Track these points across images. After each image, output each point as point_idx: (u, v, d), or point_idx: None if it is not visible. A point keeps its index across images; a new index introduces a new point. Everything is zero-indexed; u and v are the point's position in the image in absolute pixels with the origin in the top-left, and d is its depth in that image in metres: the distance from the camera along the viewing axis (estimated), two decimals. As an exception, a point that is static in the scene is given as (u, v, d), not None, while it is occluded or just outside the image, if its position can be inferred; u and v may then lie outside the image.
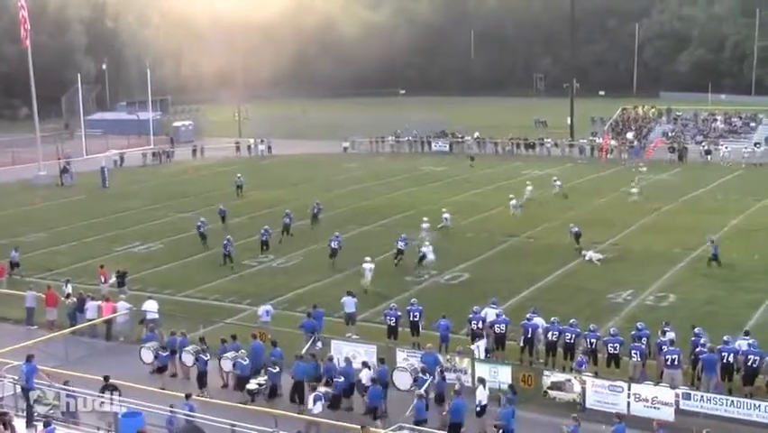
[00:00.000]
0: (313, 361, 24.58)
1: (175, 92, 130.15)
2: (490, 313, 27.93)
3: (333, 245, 39.16)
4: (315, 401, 21.86)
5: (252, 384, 24.24)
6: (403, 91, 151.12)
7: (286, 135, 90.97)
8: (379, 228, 47.09)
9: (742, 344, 24.59)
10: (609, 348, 25.11)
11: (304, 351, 25.36)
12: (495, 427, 20.69)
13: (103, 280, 34.42)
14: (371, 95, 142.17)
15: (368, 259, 35.03)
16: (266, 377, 24.46)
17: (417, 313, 28.32)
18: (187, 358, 25.70)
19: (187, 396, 21.29)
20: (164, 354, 26.04)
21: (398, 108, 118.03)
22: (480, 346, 25.66)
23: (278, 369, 24.05)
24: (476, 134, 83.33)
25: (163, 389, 24.15)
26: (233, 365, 24.95)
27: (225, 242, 39.65)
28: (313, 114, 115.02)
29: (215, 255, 40.93)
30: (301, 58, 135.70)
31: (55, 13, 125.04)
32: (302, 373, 23.82)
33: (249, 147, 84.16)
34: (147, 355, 26.43)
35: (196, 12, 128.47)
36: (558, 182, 57.41)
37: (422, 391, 22.33)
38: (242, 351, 25.17)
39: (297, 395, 23.56)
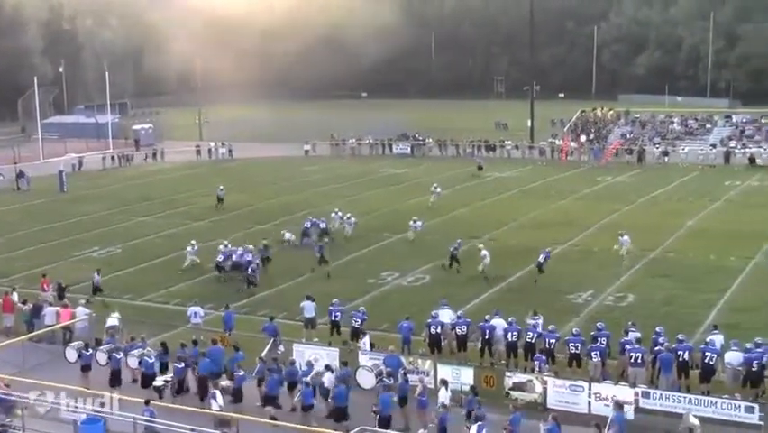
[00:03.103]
0: (274, 365, 24.56)
1: (134, 95, 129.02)
2: (444, 315, 28.08)
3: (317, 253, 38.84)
4: (213, 397, 21.83)
5: (159, 381, 24.31)
6: (365, 94, 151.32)
7: (247, 138, 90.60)
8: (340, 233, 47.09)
9: (714, 339, 24.97)
10: (571, 348, 25.31)
11: (264, 354, 25.27)
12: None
13: (44, 289, 33.74)
14: (334, 97, 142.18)
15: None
16: (172, 374, 24.53)
17: (359, 319, 28.24)
18: (101, 357, 25.74)
19: (147, 402, 21.14)
20: (87, 354, 25.87)
21: (361, 111, 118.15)
22: (366, 342, 26.30)
23: (242, 372, 23.95)
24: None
25: (88, 388, 23.91)
26: (139, 363, 25.07)
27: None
28: (275, 117, 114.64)
29: (176, 259, 40.69)
30: (264, 61, 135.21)
31: (10, 14, 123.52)
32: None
33: (210, 150, 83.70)
34: (71, 354, 26.37)
35: (155, 13, 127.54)
36: (438, 189, 54.99)
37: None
38: (149, 349, 25.37)
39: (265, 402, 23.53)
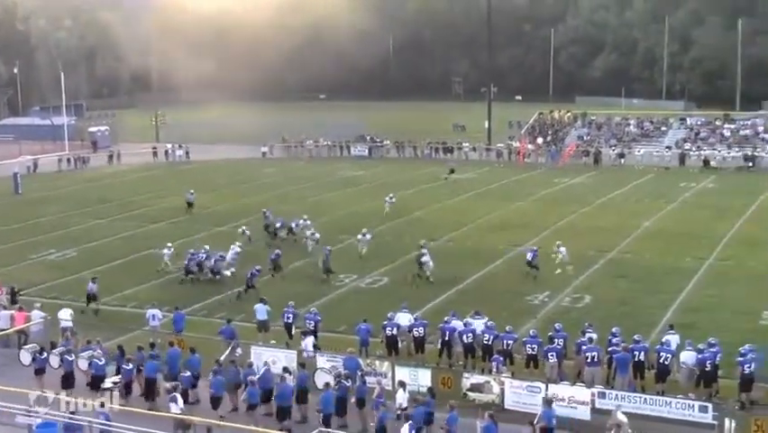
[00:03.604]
0: (232, 367, 24.44)
1: (89, 97, 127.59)
2: (403, 318, 28.13)
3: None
4: (171, 402, 21.72)
5: (107, 383, 24.13)
6: (323, 96, 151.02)
7: (204, 140, 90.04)
8: (294, 235, 46.82)
9: (671, 339, 25.27)
10: (528, 349, 25.45)
11: (223, 358, 25.13)
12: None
13: None
14: (292, 99, 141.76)
15: None
16: (119, 376, 24.40)
17: (312, 321, 28.21)
18: (54, 360, 25.59)
19: (102, 404, 20.94)
20: (42, 357, 25.59)
21: (319, 113, 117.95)
22: (308, 343, 26.53)
23: (187, 373, 23.78)
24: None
25: (44, 392, 23.63)
26: (89, 364, 24.95)
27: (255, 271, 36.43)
28: (232, 119, 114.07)
29: (134, 262, 40.37)
30: (221, 62, 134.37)
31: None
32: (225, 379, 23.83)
33: (166, 152, 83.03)
34: (25, 357, 26.17)
35: (108, 13, 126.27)
36: (392, 199, 52.62)
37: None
38: (99, 351, 25.20)
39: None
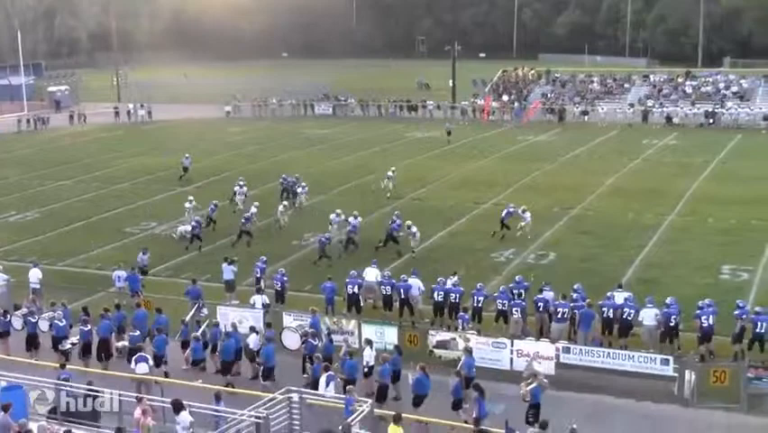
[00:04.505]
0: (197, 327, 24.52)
1: (48, 56, 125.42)
2: (371, 273, 28.27)
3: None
4: (137, 362, 21.73)
5: (66, 345, 24.10)
6: (286, 54, 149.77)
7: (167, 100, 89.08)
8: (266, 192, 46.73)
9: (617, 296, 25.57)
10: (498, 304, 25.71)
11: (188, 317, 25.10)
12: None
13: None
14: (254, 58, 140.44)
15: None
16: (78, 337, 24.32)
17: (279, 282, 28.21)
18: (16, 322, 25.61)
19: (62, 365, 20.88)
20: (5, 320, 25.56)
21: (282, 72, 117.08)
22: (256, 300, 26.48)
23: (164, 335, 23.75)
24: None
25: (8, 355, 23.62)
26: (50, 326, 24.92)
27: (194, 224, 36.65)
28: (195, 78, 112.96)
29: (96, 223, 40.06)
30: (181, 21, 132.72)
31: None
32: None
33: (128, 112, 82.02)
34: None
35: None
36: (394, 173, 46.61)
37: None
38: (59, 312, 25.02)
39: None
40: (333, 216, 36.67)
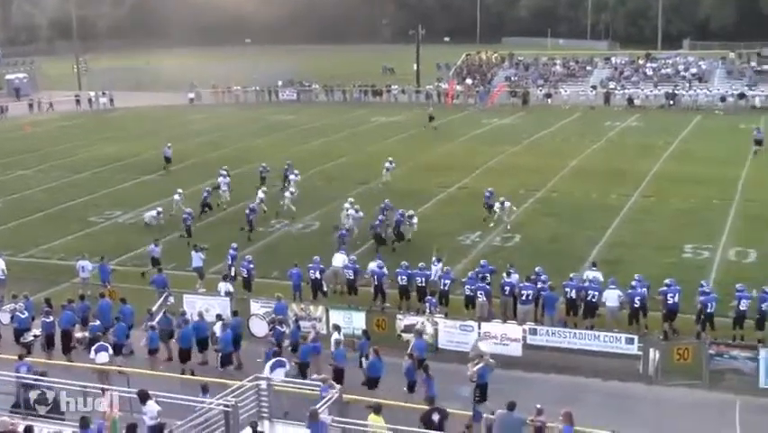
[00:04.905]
0: (164, 316, 24.39)
1: (6, 43, 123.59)
2: (338, 258, 28.36)
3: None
4: (97, 352, 21.62)
5: (28, 337, 23.94)
6: (249, 40, 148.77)
7: (129, 88, 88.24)
8: (235, 178, 46.46)
9: (590, 274, 25.86)
10: (467, 290, 25.74)
11: (155, 307, 24.97)
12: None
13: None
14: (217, 44, 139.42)
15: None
16: (40, 329, 24.12)
17: (245, 270, 28.15)
18: None
19: (20, 357, 20.70)
20: None
21: (245, 58, 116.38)
22: (221, 288, 26.51)
23: (123, 324, 23.61)
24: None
25: None
26: (11, 318, 24.70)
27: (186, 216, 35.72)
28: (157, 65, 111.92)
29: (58, 213, 39.67)
30: (143, 8, 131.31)
31: None
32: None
33: (90, 100, 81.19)
34: None
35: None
36: (392, 165, 45.34)
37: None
38: (21, 304, 24.77)
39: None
40: (347, 205, 35.47)
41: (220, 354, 22.68)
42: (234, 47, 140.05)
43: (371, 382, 20.63)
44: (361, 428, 16.79)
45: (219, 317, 23.95)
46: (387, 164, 44.78)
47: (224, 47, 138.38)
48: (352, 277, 27.45)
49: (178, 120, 70.97)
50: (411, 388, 20.43)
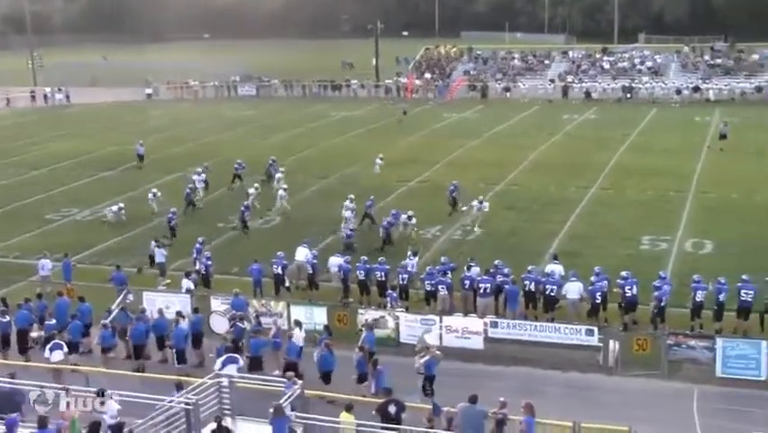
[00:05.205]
0: (123, 313, 24.18)
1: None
2: (300, 252, 28.31)
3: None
4: (51, 350, 21.40)
5: None
6: (207, 35, 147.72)
7: (85, 83, 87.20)
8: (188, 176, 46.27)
9: (551, 267, 26.06)
10: (427, 285, 25.79)
11: (115, 305, 24.75)
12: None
13: None
14: (175, 39, 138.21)
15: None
16: None
17: (204, 266, 28.08)
18: None
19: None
20: None
21: (204, 53, 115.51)
22: (183, 284, 26.35)
23: (79, 322, 23.36)
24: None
25: None
26: None
27: (170, 215, 34.83)
28: (114, 61, 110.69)
29: (13, 211, 39.17)
30: (97, 2, 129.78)
31: None
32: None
33: (45, 96, 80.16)
34: None
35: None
36: (381, 160, 45.85)
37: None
38: None
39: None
40: (347, 203, 34.97)
41: (175, 351, 22.55)
42: (192, 42, 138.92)
43: (324, 377, 20.62)
44: (322, 424, 16.79)
45: (179, 314, 23.78)
46: (377, 160, 44.94)
47: (182, 42, 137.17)
48: (311, 272, 27.45)
49: (135, 116, 70.30)
50: (361, 380, 20.53)
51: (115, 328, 23.34)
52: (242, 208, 35.38)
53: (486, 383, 20.29)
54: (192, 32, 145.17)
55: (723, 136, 49.63)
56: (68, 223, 37.92)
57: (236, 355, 20.41)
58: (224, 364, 19.77)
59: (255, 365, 21.26)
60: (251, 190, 38.48)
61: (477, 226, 34.61)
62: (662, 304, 23.77)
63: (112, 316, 23.89)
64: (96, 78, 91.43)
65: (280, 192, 37.80)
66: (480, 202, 35.01)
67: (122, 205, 37.37)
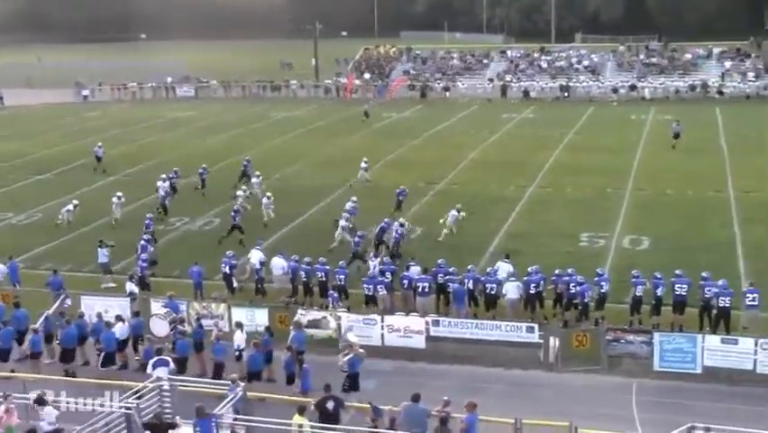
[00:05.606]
0: (60, 319, 23.78)
1: None
2: (255, 255, 28.17)
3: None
4: None
5: None
6: (144, 36, 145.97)
7: (20, 85, 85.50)
8: (128, 178, 45.65)
9: (502, 267, 26.14)
10: (365, 289, 25.77)
11: (52, 310, 24.31)
12: None
13: None
14: (111, 40, 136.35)
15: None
16: None
17: (140, 270, 27.87)
18: None
19: None
20: None
21: (141, 54, 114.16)
22: (128, 287, 26.08)
23: (10, 328, 22.92)
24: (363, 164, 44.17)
25: None
26: None
27: (147, 221, 33.53)
28: (50, 62, 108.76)
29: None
30: (31, 1, 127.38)
31: None
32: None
33: (-23, 98, 78.48)
34: None
35: None
36: (366, 164, 43.39)
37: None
38: None
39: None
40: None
41: (102, 354, 22.25)
42: (129, 43, 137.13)
43: (251, 376, 20.51)
44: (264, 426, 16.72)
45: (119, 317, 23.46)
46: (362, 164, 43.40)
47: (118, 43, 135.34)
48: (263, 276, 27.41)
49: (71, 118, 69.17)
50: (290, 380, 20.56)
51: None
52: (233, 213, 34.08)
53: (429, 382, 20.39)
54: (129, 33, 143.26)
55: (676, 135, 50.34)
56: (5, 227, 37.16)
57: (167, 358, 20.25)
58: (154, 367, 19.63)
59: (181, 367, 21.14)
60: (240, 193, 37.78)
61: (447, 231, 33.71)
62: (586, 300, 24.09)
63: (40, 321, 23.41)
64: (31, 80, 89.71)
65: (264, 200, 36.41)
66: (458, 211, 34.19)
67: (76, 202, 36.77)
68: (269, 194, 36.96)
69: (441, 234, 33.19)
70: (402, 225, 31.74)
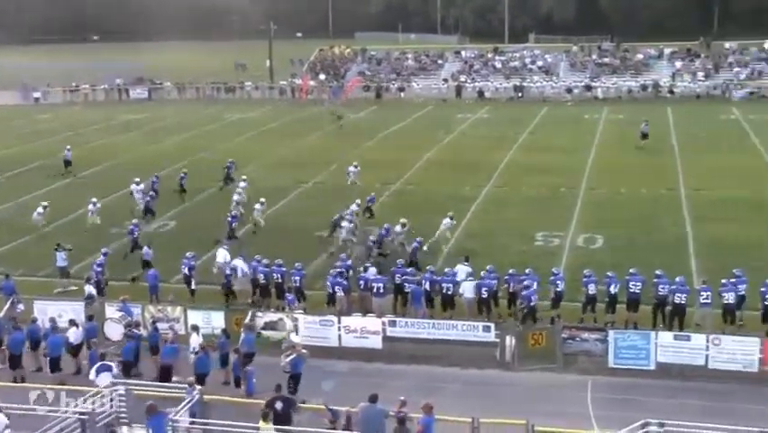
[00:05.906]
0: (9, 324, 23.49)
1: None
2: (221, 254, 28.22)
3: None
4: None
5: None
6: (96, 37, 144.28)
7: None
8: (82, 180, 45.11)
9: (461, 269, 26.24)
10: (328, 288, 25.74)
11: (2, 314, 23.98)
12: None
13: None
14: (63, 41, 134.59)
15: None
16: None
17: (95, 274, 27.51)
18: None
19: None
20: None
21: (93, 55, 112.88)
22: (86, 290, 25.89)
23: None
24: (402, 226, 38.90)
25: None
26: None
27: (132, 227, 32.74)
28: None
29: None
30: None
31: None
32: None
33: None
34: None
35: None
36: (356, 168, 43.31)
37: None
38: None
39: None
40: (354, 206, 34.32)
41: (49, 359, 21.99)
42: (80, 44, 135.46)
43: (198, 378, 20.29)
44: (220, 429, 16.64)
45: (72, 322, 23.19)
46: (351, 168, 43.08)
47: (69, 44, 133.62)
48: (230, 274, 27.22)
49: (22, 120, 68.26)
50: (237, 383, 20.60)
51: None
52: (229, 219, 33.75)
53: (386, 382, 20.42)
54: (79, 34, 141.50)
55: (644, 135, 50.75)
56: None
57: (110, 363, 20.11)
58: (98, 372, 19.47)
59: (127, 370, 21.08)
60: (236, 197, 37.09)
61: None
62: (532, 304, 24.25)
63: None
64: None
65: (257, 205, 35.64)
66: (451, 218, 33.56)
67: (45, 203, 36.28)
68: (262, 199, 36.10)
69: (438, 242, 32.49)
70: (404, 225, 31.78)
